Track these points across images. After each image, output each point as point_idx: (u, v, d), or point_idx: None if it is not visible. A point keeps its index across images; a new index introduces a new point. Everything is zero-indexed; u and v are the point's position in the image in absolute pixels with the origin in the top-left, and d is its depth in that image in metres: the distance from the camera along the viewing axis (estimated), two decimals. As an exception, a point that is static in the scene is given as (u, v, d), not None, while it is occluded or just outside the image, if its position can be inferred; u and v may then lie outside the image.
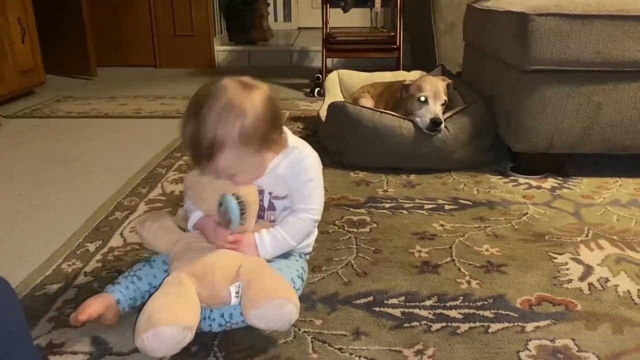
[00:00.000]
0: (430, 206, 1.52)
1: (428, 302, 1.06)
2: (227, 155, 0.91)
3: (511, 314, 1.02)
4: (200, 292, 0.92)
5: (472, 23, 2.26)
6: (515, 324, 0.99)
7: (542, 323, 0.99)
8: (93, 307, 0.93)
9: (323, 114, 2.05)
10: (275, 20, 5.34)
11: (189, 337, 0.86)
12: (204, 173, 0.98)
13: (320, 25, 3.18)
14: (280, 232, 1.01)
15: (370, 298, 1.08)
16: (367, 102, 2.06)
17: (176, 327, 0.83)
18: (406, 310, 1.04)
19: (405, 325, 0.99)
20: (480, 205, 1.52)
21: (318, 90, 3.01)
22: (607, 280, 1.14)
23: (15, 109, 2.76)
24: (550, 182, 1.69)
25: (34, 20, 2.98)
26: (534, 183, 1.69)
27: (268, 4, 4.79)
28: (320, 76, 3.08)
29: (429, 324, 1.00)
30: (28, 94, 3.06)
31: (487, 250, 1.27)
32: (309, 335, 0.97)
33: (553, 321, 1.00)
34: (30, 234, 1.39)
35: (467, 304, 1.06)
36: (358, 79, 2.47)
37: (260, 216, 1.04)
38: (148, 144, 2.11)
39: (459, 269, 1.18)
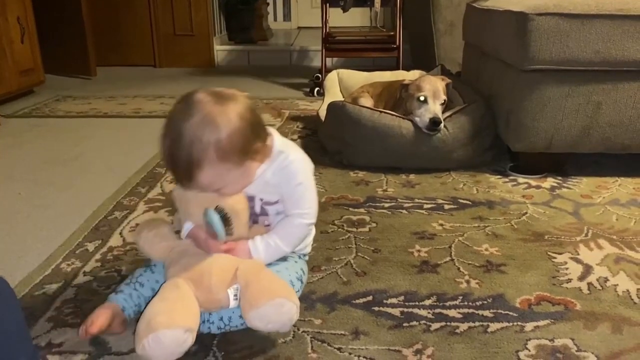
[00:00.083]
0: (429, 206, 1.52)
1: (427, 302, 1.06)
2: (206, 173, 0.89)
3: (510, 313, 1.02)
4: (198, 296, 0.91)
5: (471, 23, 2.26)
6: (515, 323, 0.99)
7: (541, 323, 0.99)
8: (101, 319, 0.92)
9: (322, 114, 2.05)
10: (275, 19, 5.34)
11: (189, 340, 0.85)
12: (188, 189, 0.95)
13: (320, 25, 3.18)
14: (274, 239, 0.99)
15: (370, 298, 1.08)
16: (367, 101, 2.06)
17: (176, 330, 0.83)
18: (405, 309, 1.04)
19: (404, 324, 0.99)
20: (479, 205, 1.52)
21: (317, 90, 3.01)
22: (606, 279, 1.14)
23: (15, 109, 2.76)
24: (550, 181, 1.69)
25: (34, 19, 2.98)
26: (533, 183, 1.69)
27: (268, 4, 4.79)
28: (320, 76, 3.08)
29: (428, 323, 1.00)
30: (27, 94, 3.06)
31: (486, 249, 1.27)
32: (308, 334, 0.97)
33: (552, 321, 1.00)
34: (29, 233, 1.39)
35: (466, 303, 1.06)
36: (357, 78, 2.47)
37: (254, 221, 1.03)
38: (147, 143, 2.10)
39: (458, 269, 1.18)
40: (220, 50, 4.27)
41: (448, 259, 1.23)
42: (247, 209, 1.00)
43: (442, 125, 1.72)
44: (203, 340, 0.94)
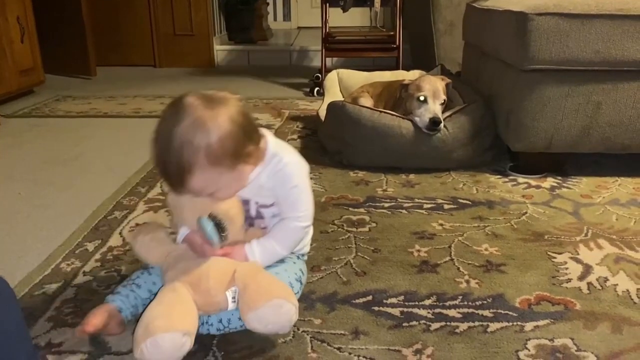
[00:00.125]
0: (429, 206, 1.52)
1: (427, 302, 1.06)
2: (198, 178, 0.87)
3: (510, 313, 1.02)
4: (196, 300, 0.90)
5: (471, 22, 2.26)
6: (514, 323, 0.99)
7: (541, 322, 0.99)
8: (97, 318, 0.92)
9: (322, 114, 2.05)
10: (275, 19, 5.34)
11: (188, 343, 0.84)
12: (182, 195, 0.94)
13: (320, 25, 3.18)
14: (270, 243, 0.99)
15: (369, 297, 1.08)
16: (367, 101, 2.06)
17: (175, 333, 0.82)
18: (405, 309, 1.04)
19: (404, 324, 0.99)
20: (479, 205, 1.52)
21: (317, 90, 3.01)
22: (606, 279, 1.14)
23: (15, 109, 2.76)
24: (550, 181, 1.69)
25: (33, 19, 2.98)
26: (533, 182, 1.69)
27: (267, 4, 4.79)
28: (320, 75, 3.08)
29: (427, 323, 1.00)
30: (27, 94, 3.06)
31: (486, 249, 1.27)
32: (308, 334, 0.97)
33: (552, 320, 1.00)
34: (29, 233, 1.39)
35: (466, 303, 1.06)
36: (357, 78, 2.47)
37: (250, 224, 1.03)
38: (147, 143, 2.09)
39: (458, 269, 1.18)
40: (220, 50, 4.27)
41: (448, 258, 1.23)
42: (241, 213, 0.99)
43: (442, 125, 1.72)
44: (203, 340, 0.94)
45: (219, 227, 0.92)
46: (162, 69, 4.15)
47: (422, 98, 1.77)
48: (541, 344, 0.94)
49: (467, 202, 1.54)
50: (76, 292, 1.10)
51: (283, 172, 0.97)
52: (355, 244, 1.30)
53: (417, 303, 1.06)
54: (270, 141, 0.99)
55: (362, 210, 1.49)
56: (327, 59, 3.22)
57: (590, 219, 1.42)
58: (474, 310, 1.03)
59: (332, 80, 2.50)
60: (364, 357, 0.91)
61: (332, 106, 1.90)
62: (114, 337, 0.95)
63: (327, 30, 3.19)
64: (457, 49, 2.59)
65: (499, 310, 1.03)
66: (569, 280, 1.13)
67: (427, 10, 2.86)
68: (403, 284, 1.13)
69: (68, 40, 3.57)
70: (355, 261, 1.22)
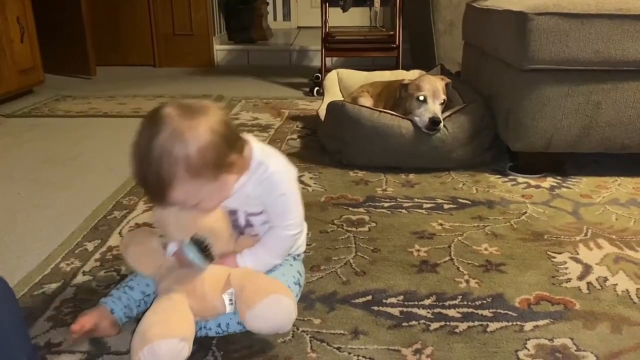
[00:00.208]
0: (429, 205, 1.52)
1: (427, 302, 1.06)
2: (179, 191, 0.85)
3: (510, 313, 1.02)
4: (193, 305, 0.89)
5: (471, 22, 2.26)
6: (514, 323, 0.99)
7: (540, 322, 0.99)
8: (86, 318, 0.93)
9: (322, 113, 2.05)
10: (275, 19, 5.34)
11: (186, 349, 0.84)
12: (165, 208, 0.92)
13: (320, 25, 3.18)
14: (261, 252, 0.98)
15: (369, 297, 1.08)
16: (366, 101, 2.06)
17: (171, 340, 0.81)
18: (405, 309, 1.04)
19: (403, 324, 0.99)
20: (479, 205, 1.52)
21: (317, 90, 3.01)
22: (605, 279, 1.14)
23: (14, 108, 2.76)
24: (549, 181, 1.69)
25: (33, 19, 2.98)
26: (533, 182, 1.69)
27: (267, 3, 4.79)
28: (320, 75, 3.08)
29: (427, 323, 1.00)
30: (27, 93, 3.06)
31: (486, 249, 1.27)
32: (307, 334, 0.97)
33: (552, 320, 1.00)
34: (29, 233, 1.39)
35: (465, 303, 1.06)
36: (357, 78, 2.47)
37: (240, 232, 1.01)
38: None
39: (458, 268, 1.18)
40: (220, 50, 4.27)
41: (447, 258, 1.23)
42: (227, 226, 0.97)
43: (441, 125, 1.72)
44: (202, 340, 0.94)
45: (203, 249, 0.90)
46: (161, 68, 4.15)
47: (421, 98, 1.76)
48: (541, 344, 0.94)
49: (467, 201, 1.54)
50: (76, 291, 1.10)
51: (269, 181, 0.94)
52: (355, 243, 1.30)
53: (416, 303, 1.06)
54: (255, 148, 0.96)
55: (361, 210, 1.49)
56: (326, 58, 3.22)
57: (590, 219, 1.42)
58: (473, 310, 1.03)
59: (331, 80, 2.50)
60: (363, 357, 0.91)
61: (331, 106, 1.90)
62: (113, 337, 0.95)
63: (327, 30, 3.19)
64: (456, 49, 2.59)
65: (499, 310, 1.03)
66: (569, 280, 1.13)
67: (426, 10, 2.86)
68: (403, 283, 1.13)
69: (68, 40, 3.56)
70: (355, 261, 1.22)
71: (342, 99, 2.19)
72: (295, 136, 2.21)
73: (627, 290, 1.10)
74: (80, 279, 1.15)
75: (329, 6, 3.14)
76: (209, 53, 4.21)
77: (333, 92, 2.41)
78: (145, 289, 0.99)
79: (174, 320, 0.85)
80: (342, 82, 2.51)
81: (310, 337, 0.96)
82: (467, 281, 1.13)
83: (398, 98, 1.90)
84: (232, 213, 0.99)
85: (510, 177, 1.74)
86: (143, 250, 0.98)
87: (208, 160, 0.84)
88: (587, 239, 1.31)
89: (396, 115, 1.78)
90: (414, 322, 1.00)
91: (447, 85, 1.86)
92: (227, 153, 0.87)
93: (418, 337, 0.96)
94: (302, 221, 1.01)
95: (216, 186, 0.89)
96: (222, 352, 0.92)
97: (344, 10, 3.15)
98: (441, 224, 1.40)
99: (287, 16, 5.44)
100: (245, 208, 0.99)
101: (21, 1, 2.87)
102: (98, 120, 2.55)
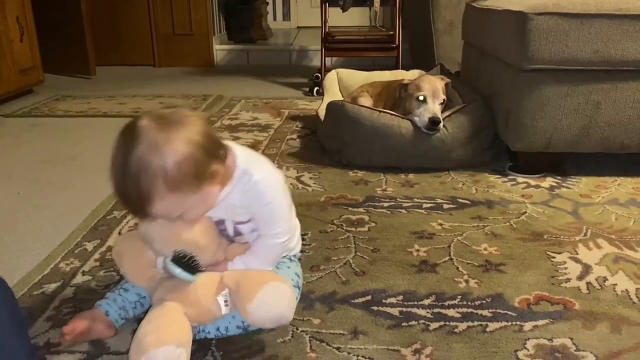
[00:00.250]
0: (428, 205, 1.52)
1: (426, 301, 1.06)
2: (159, 205, 0.83)
3: (509, 313, 1.02)
4: (188, 312, 0.89)
5: (471, 22, 2.26)
6: (514, 323, 0.99)
7: (540, 322, 0.99)
8: (78, 320, 0.93)
9: (322, 113, 2.05)
10: (275, 19, 5.34)
11: (184, 354, 0.83)
12: (149, 222, 0.91)
13: (320, 25, 3.18)
14: (252, 261, 0.97)
15: (369, 297, 1.08)
16: (366, 101, 2.06)
17: (167, 347, 0.81)
18: (404, 309, 1.04)
19: (403, 324, 0.99)
20: (478, 205, 1.52)
21: (317, 90, 3.00)
22: (605, 279, 1.14)
23: (14, 108, 2.76)
24: (549, 181, 1.69)
25: (33, 19, 2.98)
26: (532, 182, 1.69)
27: (267, 3, 4.79)
28: (319, 75, 3.08)
29: (427, 323, 1.00)
30: (27, 93, 3.06)
31: (485, 249, 1.27)
32: (307, 334, 0.97)
33: (551, 320, 1.00)
34: (28, 233, 1.39)
35: (465, 303, 1.06)
36: (357, 78, 2.47)
37: (230, 241, 1.01)
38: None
39: (457, 268, 1.18)
40: (220, 49, 4.27)
41: (447, 258, 1.23)
42: (213, 237, 0.96)
43: (441, 124, 1.72)
44: (201, 340, 0.94)
45: (188, 263, 0.89)
46: (161, 68, 4.14)
47: (421, 98, 1.76)
48: (540, 344, 0.94)
49: (467, 201, 1.54)
50: (75, 291, 1.10)
51: (255, 190, 0.92)
52: (355, 243, 1.30)
53: (416, 303, 1.06)
54: (240, 156, 0.93)
55: (361, 209, 1.49)
56: (326, 58, 3.22)
57: (590, 219, 1.42)
58: (473, 310, 1.03)
59: (331, 80, 2.50)
60: (362, 356, 0.91)
61: (331, 106, 1.90)
62: (113, 338, 0.95)
63: (327, 30, 3.19)
64: (456, 49, 2.59)
65: (498, 310, 1.03)
66: (568, 280, 1.13)
67: (426, 10, 2.86)
68: (402, 283, 1.13)
69: (67, 40, 3.56)
70: (355, 261, 1.22)
71: (342, 98, 2.19)
72: (294, 136, 2.21)
73: (626, 290, 1.10)
74: (79, 279, 1.15)
75: (328, 6, 3.14)
76: (209, 53, 4.21)
77: (333, 92, 2.41)
78: (140, 290, 0.99)
79: (169, 327, 0.85)
80: (341, 82, 2.51)
81: (309, 337, 0.96)
82: (466, 281, 1.13)
83: (398, 98, 1.90)
84: (220, 223, 0.98)
85: (510, 177, 1.74)
86: (137, 262, 0.97)
87: (187, 173, 0.82)
88: (587, 239, 1.31)
89: (396, 115, 1.78)
90: (413, 322, 1.00)
91: (446, 85, 1.86)
92: (207, 164, 0.85)
93: (417, 337, 0.96)
94: (291, 227, 1.00)
95: (199, 198, 0.87)
96: (221, 352, 0.92)
97: (344, 10, 3.15)
98: (441, 224, 1.40)
99: (286, 16, 5.44)
100: (232, 217, 0.97)
101: (21, 1, 2.87)
102: (98, 120, 2.55)
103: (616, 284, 1.12)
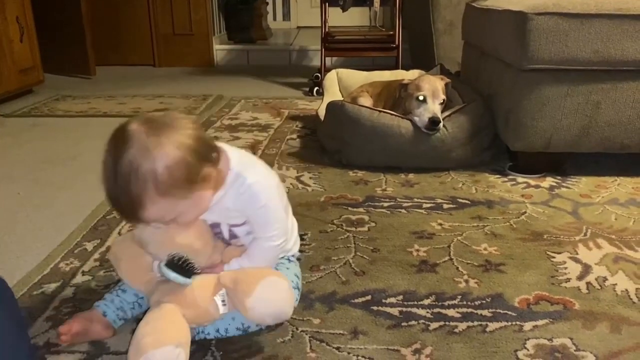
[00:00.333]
0: (428, 205, 1.52)
1: (426, 301, 1.06)
2: (150, 210, 0.82)
3: (509, 313, 1.02)
4: (186, 314, 0.89)
5: (471, 22, 2.26)
6: (513, 323, 0.99)
7: (540, 322, 0.99)
8: (75, 321, 0.93)
9: (322, 113, 2.05)
10: (275, 19, 5.34)
11: (183, 354, 0.83)
12: (143, 226, 0.90)
13: (319, 24, 3.18)
14: (248, 264, 0.96)
15: (368, 297, 1.08)
16: (366, 101, 2.06)
17: (166, 347, 0.81)
18: (404, 309, 1.04)
19: (403, 324, 0.99)
20: (478, 205, 1.52)
21: (317, 89, 3.00)
22: (605, 279, 1.14)
23: (14, 108, 2.76)
24: (549, 181, 1.69)
25: (33, 19, 2.98)
26: (532, 182, 1.68)
27: (267, 3, 4.79)
28: (319, 75, 3.08)
29: (426, 323, 1.00)
30: (27, 93, 3.06)
31: (485, 249, 1.27)
32: (306, 334, 0.97)
33: (551, 320, 1.00)
34: (28, 233, 1.39)
35: (465, 303, 1.06)
36: (357, 78, 2.47)
37: (227, 243, 1.01)
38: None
39: (457, 268, 1.18)
40: (220, 49, 4.27)
41: (447, 258, 1.23)
42: (208, 240, 0.96)
43: (441, 124, 1.72)
44: (201, 340, 0.94)
45: (183, 267, 0.89)
46: (161, 68, 4.15)
47: (421, 98, 1.76)
48: (540, 344, 0.94)
49: (466, 201, 1.54)
50: (75, 291, 1.10)
51: (248, 193, 0.91)
52: (355, 243, 1.30)
53: (416, 303, 1.06)
54: (233, 158, 0.92)
55: (361, 209, 1.49)
56: (326, 58, 3.22)
57: (590, 219, 1.42)
58: (473, 310, 1.03)
59: (331, 80, 2.50)
60: (362, 356, 0.91)
61: (331, 106, 1.90)
62: (112, 337, 0.95)
63: (327, 30, 3.19)
64: (456, 49, 2.59)
65: (498, 310, 1.03)
66: (568, 280, 1.13)
67: (426, 10, 2.86)
68: (402, 283, 1.13)
69: (67, 40, 3.56)
70: (355, 261, 1.22)
71: (342, 98, 2.19)
72: (294, 136, 2.21)
73: (626, 290, 1.10)
74: (79, 278, 1.15)
75: (328, 6, 3.14)
76: (209, 53, 4.21)
77: (333, 91, 2.41)
78: (137, 291, 0.99)
79: (166, 328, 0.85)
80: (341, 82, 2.51)
81: (309, 337, 0.96)
82: (466, 281, 1.13)
83: (398, 98, 1.90)
84: (215, 226, 0.98)
85: (510, 177, 1.74)
86: (134, 266, 0.97)
87: (178, 177, 0.81)
88: (587, 238, 1.31)
89: (396, 115, 1.78)
90: (413, 322, 1.00)
91: (446, 85, 1.86)
92: (199, 167, 0.83)
93: (417, 337, 0.96)
94: (287, 229, 1.00)
95: (191, 202, 0.86)
96: (221, 352, 0.92)
97: (344, 10, 3.15)
98: (441, 224, 1.40)
99: (286, 16, 5.44)
100: (227, 220, 0.97)
101: (21, 1, 2.87)
102: (98, 120, 2.55)
103: (616, 284, 1.12)
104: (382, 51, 3.20)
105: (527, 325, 0.98)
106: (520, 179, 1.71)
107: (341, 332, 0.97)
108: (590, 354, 0.91)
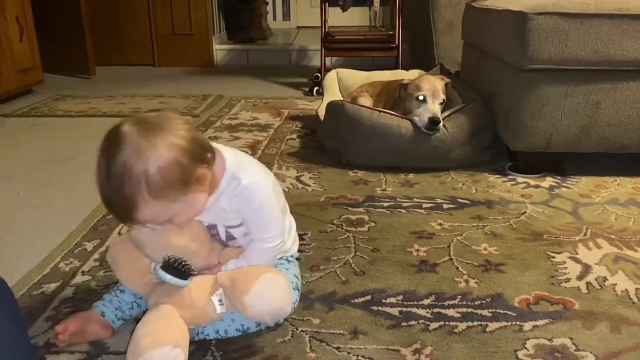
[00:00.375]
0: (428, 205, 1.52)
1: (426, 301, 1.06)
2: (144, 211, 0.81)
3: (509, 313, 1.02)
4: (183, 314, 0.88)
5: (470, 22, 2.26)
6: (513, 323, 0.99)
7: (539, 322, 0.99)
8: (72, 320, 0.93)
9: (322, 113, 2.05)
10: (274, 19, 5.34)
11: (181, 355, 0.83)
12: (138, 228, 0.90)
13: (319, 24, 3.18)
14: (245, 265, 0.96)
15: (368, 297, 1.08)
16: (366, 101, 2.06)
17: (164, 348, 0.81)
18: (404, 309, 1.04)
19: (403, 324, 0.99)
20: (478, 205, 1.52)
21: (317, 89, 3.00)
22: (605, 279, 1.14)
23: (14, 108, 2.76)
24: (549, 181, 1.69)
25: (32, 19, 2.98)
26: (532, 182, 1.68)
27: (267, 3, 4.79)
28: (319, 75, 3.08)
29: (426, 323, 1.00)
30: (26, 93, 3.05)
31: (485, 249, 1.27)
32: (306, 334, 0.97)
33: (551, 320, 1.00)
34: (28, 233, 1.39)
35: (465, 303, 1.06)
36: (357, 78, 2.47)
37: (224, 245, 1.00)
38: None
39: (457, 268, 1.18)
40: (220, 49, 4.27)
41: (447, 258, 1.23)
42: (204, 241, 0.95)
43: (441, 124, 1.72)
44: (201, 340, 0.94)
45: (180, 268, 0.88)
46: (161, 68, 4.14)
47: (421, 98, 1.76)
48: (540, 344, 0.94)
49: (466, 201, 1.54)
50: (75, 291, 1.10)
51: (244, 194, 0.90)
52: (354, 243, 1.30)
53: (416, 303, 1.06)
54: (228, 159, 0.92)
55: (361, 209, 1.49)
56: (326, 58, 3.22)
57: (589, 219, 1.42)
58: (472, 310, 1.03)
59: (331, 80, 2.50)
60: (362, 356, 0.91)
61: (331, 106, 1.90)
62: (112, 337, 0.95)
63: (327, 30, 3.19)
64: (456, 49, 2.59)
65: (498, 310, 1.03)
66: (568, 279, 1.13)
67: (426, 10, 2.86)
68: (402, 283, 1.13)
69: (67, 40, 3.56)
70: (354, 261, 1.22)
71: (342, 98, 2.19)
72: (294, 136, 2.21)
73: (626, 290, 1.10)
74: (79, 278, 1.15)
75: (328, 6, 3.14)
76: (209, 53, 4.21)
77: (332, 91, 2.41)
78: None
79: (163, 329, 0.85)
80: (341, 82, 2.51)
81: (309, 337, 0.96)
82: (466, 281, 1.13)
83: (397, 98, 1.90)
84: (212, 227, 0.97)
85: (510, 176, 1.74)
86: (132, 267, 0.97)
87: (171, 179, 0.80)
88: (587, 238, 1.31)
89: (396, 115, 1.78)
90: (413, 322, 1.00)
91: (446, 85, 1.86)
92: (192, 168, 0.83)
93: (417, 337, 0.96)
94: (284, 230, 0.99)
95: (185, 203, 0.85)
96: (221, 352, 0.92)
97: (344, 10, 3.15)
98: (440, 224, 1.40)
99: (286, 16, 5.44)
100: (224, 222, 0.96)
101: (21, 1, 2.87)
102: (98, 120, 2.55)
103: (616, 284, 1.12)
104: (382, 51, 3.20)
105: (527, 325, 0.98)
106: (520, 179, 1.71)
107: (341, 332, 0.97)
108: (590, 354, 0.91)
